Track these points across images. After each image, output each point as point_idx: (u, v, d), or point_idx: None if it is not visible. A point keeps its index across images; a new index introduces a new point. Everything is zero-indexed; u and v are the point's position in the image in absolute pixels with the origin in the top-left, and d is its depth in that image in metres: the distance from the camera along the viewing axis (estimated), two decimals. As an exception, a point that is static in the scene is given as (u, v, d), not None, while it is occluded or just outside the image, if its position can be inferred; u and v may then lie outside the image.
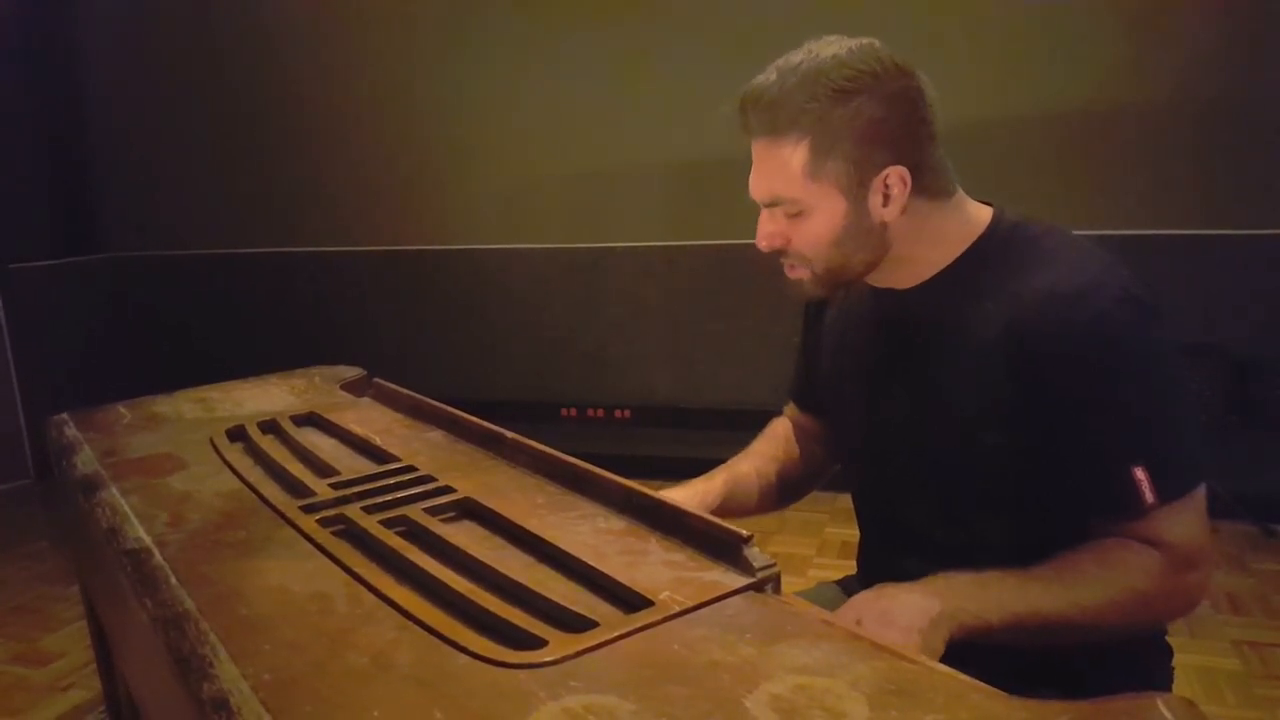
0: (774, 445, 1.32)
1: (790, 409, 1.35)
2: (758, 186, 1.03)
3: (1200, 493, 0.94)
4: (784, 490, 1.29)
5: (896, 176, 0.97)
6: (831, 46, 0.98)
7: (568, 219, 3.59)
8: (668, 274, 3.48)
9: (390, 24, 3.67)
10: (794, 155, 0.97)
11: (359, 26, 3.73)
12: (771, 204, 1.02)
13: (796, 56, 0.98)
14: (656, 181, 3.41)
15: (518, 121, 3.56)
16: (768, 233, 1.04)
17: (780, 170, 0.99)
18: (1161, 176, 2.88)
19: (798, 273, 1.05)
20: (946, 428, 1.02)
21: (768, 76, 0.99)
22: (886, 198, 0.98)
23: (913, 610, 0.88)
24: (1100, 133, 2.90)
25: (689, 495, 1.17)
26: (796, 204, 0.99)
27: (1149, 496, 0.91)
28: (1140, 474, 0.91)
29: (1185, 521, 0.93)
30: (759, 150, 1.01)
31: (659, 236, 3.45)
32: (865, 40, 0.99)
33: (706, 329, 3.45)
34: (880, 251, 1.02)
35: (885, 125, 0.96)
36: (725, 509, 1.18)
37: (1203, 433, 0.98)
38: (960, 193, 1.04)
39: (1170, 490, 0.92)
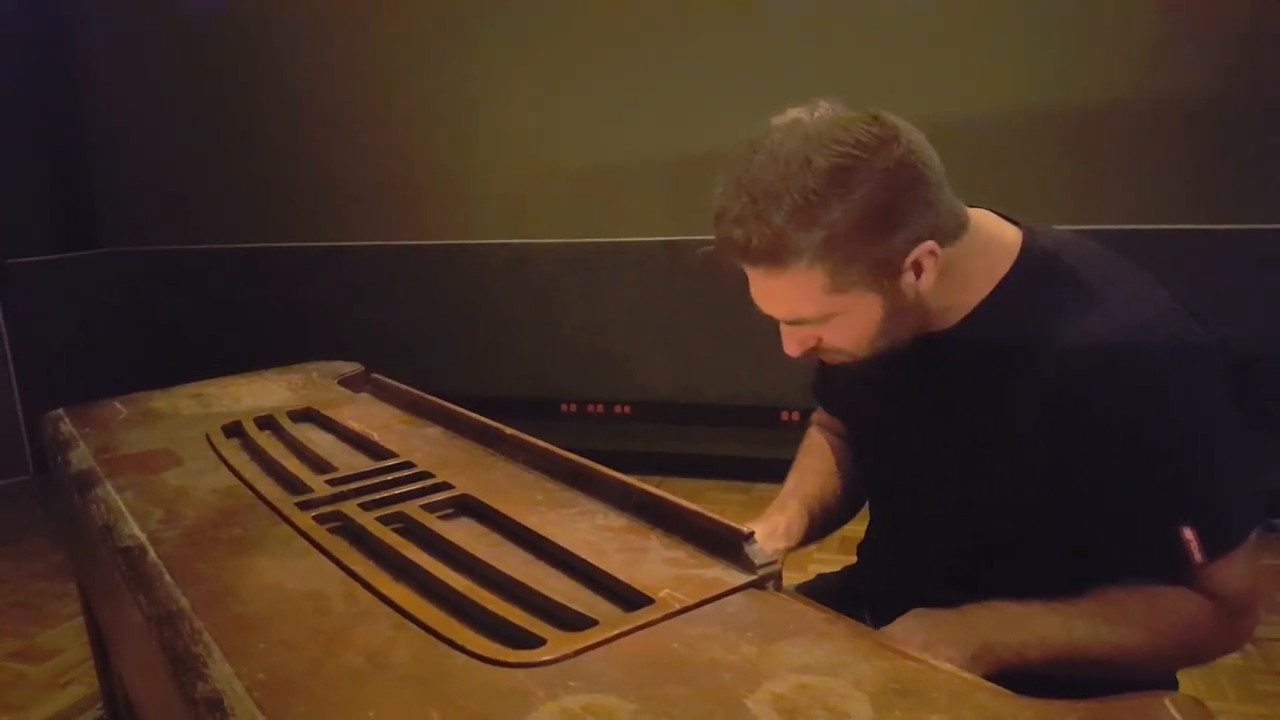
0: (823, 460, 1.24)
1: (820, 415, 1.30)
2: (773, 308, 0.94)
3: (1251, 538, 0.89)
4: (849, 503, 1.21)
5: (924, 252, 0.88)
6: (793, 138, 0.86)
7: (569, 214, 3.58)
8: (669, 269, 3.47)
9: (393, 18, 3.66)
10: (808, 280, 0.88)
11: (361, 21, 3.71)
12: (795, 323, 0.94)
13: (761, 170, 0.86)
14: (658, 177, 3.40)
15: (519, 117, 3.55)
16: (798, 340, 0.96)
17: (796, 294, 0.90)
18: (1163, 171, 2.86)
19: (838, 359, 0.98)
20: (977, 471, 0.98)
21: (740, 203, 0.86)
22: (918, 273, 0.90)
23: (952, 646, 0.85)
24: (1101, 127, 2.89)
25: (769, 529, 1.10)
26: (824, 318, 0.92)
27: (1197, 556, 0.87)
28: (1188, 534, 0.86)
29: (1235, 571, 0.89)
30: (758, 277, 0.91)
31: (660, 232, 3.44)
32: (823, 109, 0.88)
33: (707, 325, 3.43)
34: (922, 316, 0.95)
35: (893, 208, 0.86)
36: (807, 537, 1.13)
37: (1255, 472, 0.93)
38: (972, 218, 0.95)
39: (1219, 548, 0.87)
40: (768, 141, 0.87)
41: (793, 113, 0.89)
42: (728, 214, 0.88)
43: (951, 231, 0.91)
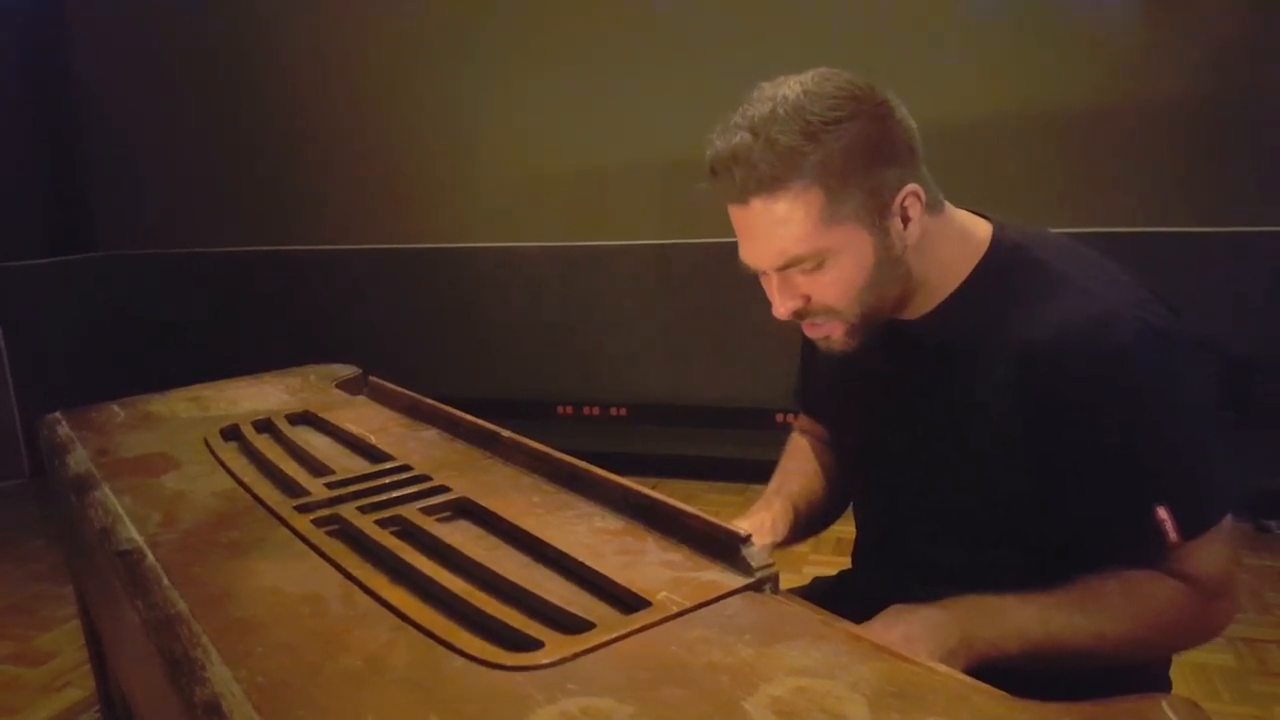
0: (806, 460, 1.25)
1: (803, 420, 1.31)
2: (763, 253, 0.94)
3: (1226, 521, 0.91)
4: (832, 503, 1.23)
5: (911, 195, 0.92)
6: (788, 85, 0.91)
7: (563, 217, 3.59)
8: (663, 272, 3.47)
9: (387, 22, 3.66)
10: (805, 205, 0.89)
11: (356, 24, 3.71)
12: (785, 267, 0.94)
13: (760, 107, 0.90)
14: (652, 181, 3.40)
15: (513, 120, 3.55)
16: (788, 296, 0.96)
17: (790, 226, 0.90)
18: (1159, 174, 2.87)
19: (825, 329, 0.98)
20: (956, 463, 0.99)
21: (737, 136, 0.90)
22: (905, 220, 0.93)
23: (931, 640, 0.87)
24: (1098, 130, 2.90)
25: (754, 525, 1.10)
26: (817, 256, 0.92)
27: (1172, 536, 0.88)
28: (1162, 513, 0.88)
29: (1212, 553, 0.90)
30: (753, 214, 0.91)
31: (654, 235, 3.45)
32: (816, 70, 0.92)
33: (702, 327, 3.44)
34: (907, 282, 0.96)
35: (884, 143, 0.90)
36: (792, 534, 1.13)
37: (1229, 455, 0.93)
38: (948, 204, 0.99)
39: (1194, 527, 0.89)
40: (761, 93, 0.92)
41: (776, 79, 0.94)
42: (729, 152, 0.90)
43: (929, 199, 0.94)
